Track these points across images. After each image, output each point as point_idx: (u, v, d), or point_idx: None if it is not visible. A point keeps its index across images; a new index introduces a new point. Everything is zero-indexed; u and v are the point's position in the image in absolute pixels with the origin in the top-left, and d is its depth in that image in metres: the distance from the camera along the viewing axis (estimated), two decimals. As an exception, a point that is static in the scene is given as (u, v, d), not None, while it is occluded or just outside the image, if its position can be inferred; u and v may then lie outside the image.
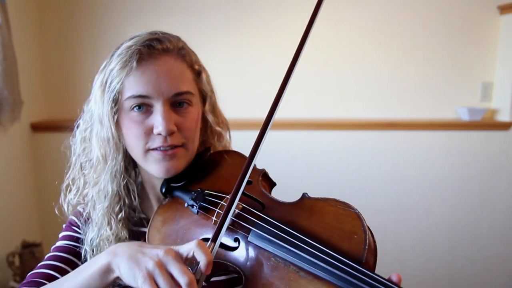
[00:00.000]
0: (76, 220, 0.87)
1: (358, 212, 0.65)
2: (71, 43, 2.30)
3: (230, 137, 0.95)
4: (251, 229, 0.68)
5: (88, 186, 0.83)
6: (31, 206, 2.25)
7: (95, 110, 0.80)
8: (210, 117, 0.88)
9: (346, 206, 0.66)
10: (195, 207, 0.76)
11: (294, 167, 2.31)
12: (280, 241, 0.64)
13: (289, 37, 2.33)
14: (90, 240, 0.82)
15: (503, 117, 2.33)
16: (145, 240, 0.85)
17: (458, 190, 2.38)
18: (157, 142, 0.76)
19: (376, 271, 0.61)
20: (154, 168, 0.78)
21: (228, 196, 0.73)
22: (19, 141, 2.14)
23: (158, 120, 0.75)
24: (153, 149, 0.77)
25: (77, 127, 0.85)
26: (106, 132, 0.78)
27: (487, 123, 2.34)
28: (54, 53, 2.31)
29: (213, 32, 2.29)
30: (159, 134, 0.75)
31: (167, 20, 2.26)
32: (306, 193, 0.72)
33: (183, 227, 0.76)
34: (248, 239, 0.68)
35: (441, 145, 2.34)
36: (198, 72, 0.84)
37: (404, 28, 2.31)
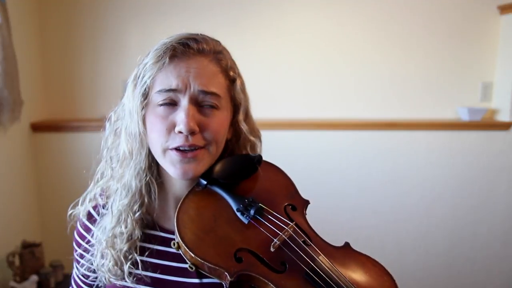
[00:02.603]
0: (83, 230, 0.87)
1: (393, 277, 0.73)
2: (71, 43, 2.30)
3: (261, 147, 0.92)
4: (311, 265, 0.70)
5: (113, 179, 0.83)
6: (31, 206, 2.25)
7: (127, 104, 0.80)
8: (243, 126, 0.85)
9: (383, 268, 0.74)
10: (246, 215, 0.75)
11: (294, 167, 2.29)
12: (336, 285, 0.68)
13: (289, 37, 2.34)
14: (102, 231, 0.81)
15: (503, 117, 2.33)
16: (155, 242, 0.83)
17: (458, 190, 2.38)
18: (177, 141, 0.74)
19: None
20: (171, 170, 0.76)
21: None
22: (19, 141, 2.14)
23: (180, 117, 0.73)
24: (172, 149, 0.75)
25: (109, 119, 0.84)
26: (134, 126, 0.77)
27: (487, 123, 2.34)
28: (54, 53, 2.31)
29: (213, 33, 2.25)
30: (180, 132, 0.73)
31: (167, 20, 2.26)
32: (349, 243, 0.77)
33: (224, 229, 0.74)
34: (305, 273, 0.69)
35: (441, 145, 2.34)
36: (232, 79, 0.82)
37: (404, 28, 2.31)
